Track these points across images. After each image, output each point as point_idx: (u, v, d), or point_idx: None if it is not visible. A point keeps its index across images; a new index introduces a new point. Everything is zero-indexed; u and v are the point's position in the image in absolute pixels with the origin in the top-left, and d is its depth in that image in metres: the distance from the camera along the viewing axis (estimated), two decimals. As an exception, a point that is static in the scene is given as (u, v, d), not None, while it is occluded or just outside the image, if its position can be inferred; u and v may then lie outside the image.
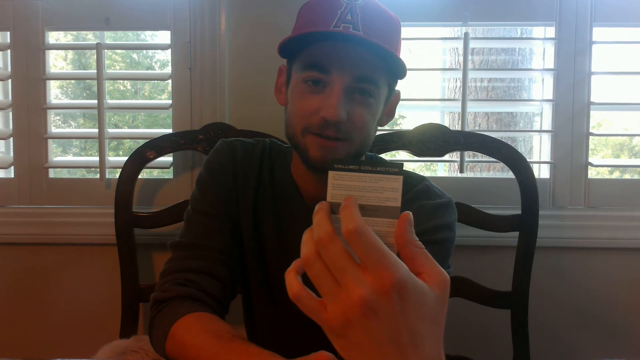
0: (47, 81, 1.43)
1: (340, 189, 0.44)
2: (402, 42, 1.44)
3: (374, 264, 0.39)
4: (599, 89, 1.40)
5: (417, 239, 0.43)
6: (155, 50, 2.30)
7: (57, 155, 1.53)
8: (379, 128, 1.35)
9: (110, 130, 1.43)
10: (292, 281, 0.43)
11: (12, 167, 1.44)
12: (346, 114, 0.79)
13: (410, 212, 0.43)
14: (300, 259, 0.43)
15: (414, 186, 0.91)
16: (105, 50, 1.42)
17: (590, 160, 1.40)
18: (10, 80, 1.43)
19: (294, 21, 0.87)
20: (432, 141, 1.29)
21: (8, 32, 1.43)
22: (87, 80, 1.60)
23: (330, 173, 0.44)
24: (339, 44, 0.78)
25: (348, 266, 0.40)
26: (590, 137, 1.41)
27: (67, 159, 1.63)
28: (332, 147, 0.81)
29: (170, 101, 1.42)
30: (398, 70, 0.83)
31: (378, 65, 0.80)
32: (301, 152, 0.84)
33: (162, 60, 2.80)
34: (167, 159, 1.41)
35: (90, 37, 1.56)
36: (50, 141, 1.45)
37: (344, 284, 0.40)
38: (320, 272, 0.41)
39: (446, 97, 2.17)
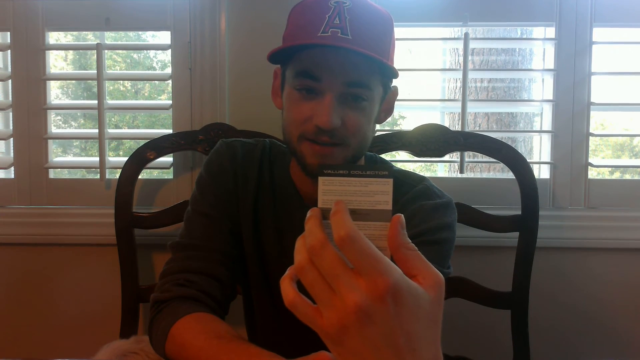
0: (48, 81, 1.43)
1: (330, 194, 0.43)
2: (403, 42, 1.44)
3: (368, 269, 0.39)
4: (599, 90, 1.40)
5: (410, 241, 0.43)
6: (156, 51, 2.30)
7: (57, 155, 1.53)
8: (379, 128, 1.35)
9: (110, 130, 1.43)
10: (287, 288, 0.43)
11: (12, 168, 1.44)
12: (340, 121, 0.80)
13: (402, 215, 0.43)
14: (294, 266, 0.43)
15: (414, 186, 0.91)
16: (106, 51, 1.42)
17: (590, 160, 1.40)
18: (10, 81, 1.43)
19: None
20: (432, 141, 1.29)
21: (8, 33, 1.43)
22: (88, 81, 1.60)
23: (320, 179, 0.44)
24: (329, 51, 0.78)
25: (341, 272, 0.40)
26: (592, 138, 1.41)
27: (67, 159, 1.63)
28: (328, 153, 0.81)
29: (170, 101, 1.42)
30: (389, 72, 0.83)
31: (369, 68, 0.80)
32: (298, 158, 0.85)
33: (163, 61, 2.80)
34: (167, 159, 1.41)
35: (90, 37, 1.56)
36: (50, 141, 1.45)
37: (338, 291, 0.40)
38: (313, 280, 0.41)
39: (446, 98, 2.17)
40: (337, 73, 0.78)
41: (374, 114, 0.86)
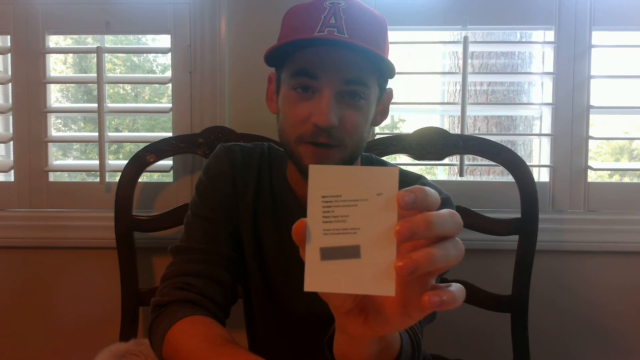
0: (48, 85, 1.44)
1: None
2: (403, 46, 1.45)
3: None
4: (598, 93, 1.40)
5: None
6: (156, 54, 2.30)
7: (57, 158, 1.53)
8: (380, 132, 1.35)
9: (110, 133, 1.43)
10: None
11: (12, 171, 1.44)
12: (337, 119, 0.79)
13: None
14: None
15: (410, 184, 0.91)
16: (106, 54, 1.42)
17: (589, 163, 1.40)
18: (10, 84, 1.43)
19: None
20: (432, 145, 1.29)
21: (8, 36, 1.43)
22: (88, 84, 1.61)
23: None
24: (325, 49, 0.78)
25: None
26: (592, 141, 1.42)
27: (67, 162, 1.63)
28: (325, 154, 0.81)
29: (170, 105, 1.42)
30: (386, 70, 0.83)
31: (366, 66, 0.80)
32: (296, 160, 0.84)
33: (163, 64, 2.81)
34: (167, 162, 1.42)
35: (90, 40, 1.57)
36: (50, 145, 1.45)
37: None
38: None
39: (446, 101, 2.17)
40: (334, 71, 0.78)
41: (371, 114, 0.85)
